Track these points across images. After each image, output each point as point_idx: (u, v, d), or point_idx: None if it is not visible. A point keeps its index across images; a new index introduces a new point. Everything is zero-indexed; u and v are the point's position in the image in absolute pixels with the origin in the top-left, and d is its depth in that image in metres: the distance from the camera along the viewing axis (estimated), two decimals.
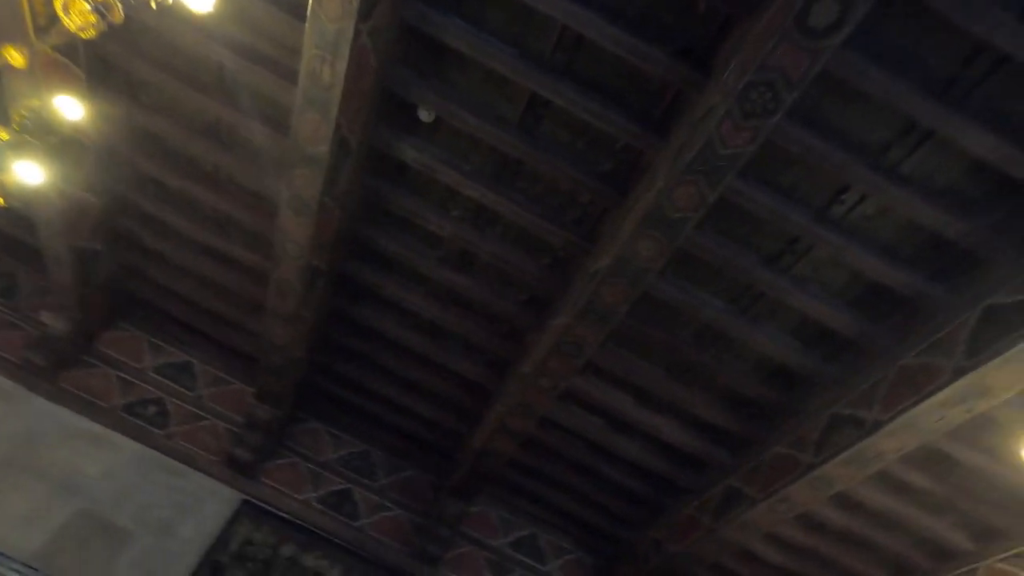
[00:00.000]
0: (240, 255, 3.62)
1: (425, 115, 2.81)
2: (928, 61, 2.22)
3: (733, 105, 2.03)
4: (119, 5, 1.72)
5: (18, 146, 2.26)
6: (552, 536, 4.71)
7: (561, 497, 4.47)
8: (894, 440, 2.85)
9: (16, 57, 1.97)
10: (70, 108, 2.37)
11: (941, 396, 2.62)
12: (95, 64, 2.98)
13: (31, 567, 3.49)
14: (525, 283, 3.30)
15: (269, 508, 4.01)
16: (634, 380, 3.51)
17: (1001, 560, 3.53)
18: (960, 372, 2.54)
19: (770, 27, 1.90)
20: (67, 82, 2.56)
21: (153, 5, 1.78)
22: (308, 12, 2.24)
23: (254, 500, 4.01)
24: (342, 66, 2.30)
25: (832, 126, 2.40)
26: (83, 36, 1.77)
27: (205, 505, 3.90)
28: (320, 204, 2.71)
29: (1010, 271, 2.48)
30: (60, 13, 1.69)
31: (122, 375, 4.23)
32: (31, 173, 2.36)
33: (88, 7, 1.66)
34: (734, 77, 2.03)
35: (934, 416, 2.71)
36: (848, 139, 2.43)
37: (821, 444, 3.11)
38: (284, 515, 4.02)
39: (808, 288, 2.88)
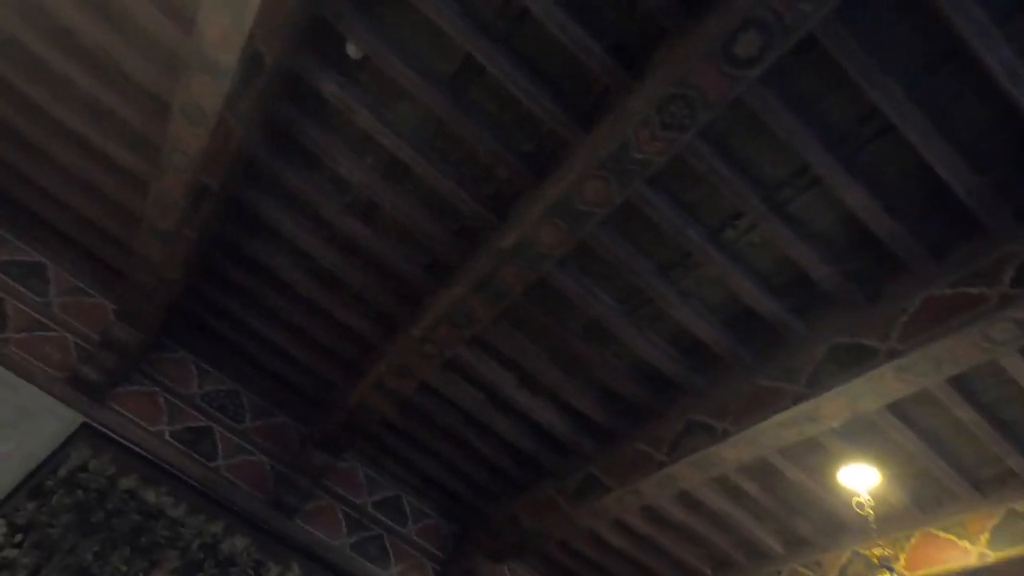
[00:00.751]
0: (118, 155, 3.23)
1: (353, 51, 2.65)
2: (830, 113, 2.41)
3: (652, 114, 2.09)
4: None
5: None
6: (416, 500, 4.76)
7: (430, 463, 4.52)
8: (736, 450, 3.15)
9: None
10: None
11: (780, 417, 2.92)
12: None
13: None
14: (429, 247, 3.25)
15: (113, 435, 3.71)
16: (519, 361, 3.58)
17: (803, 565, 4.03)
18: (799, 398, 2.84)
19: (698, 47, 1.97)
20: None
21: None
22: None
23: (96, 425, 3.68)
24: None
25: (738, 155, 2.55)
26: None
27: (37, 423, 3.53)
28: (220, 118, 2.48)
29: (856, 317, 2.78)
30: None
31: None
32: None
33: None
34: (658, 86, 2.09)
35: (772, 434, 3.02)
36: (750, 170, 2.60)
37: (675, 446, 3.37)
38: (130, 445, 3.73)
39: (690, 302, 3.08)
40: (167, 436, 3.94)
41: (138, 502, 3.61)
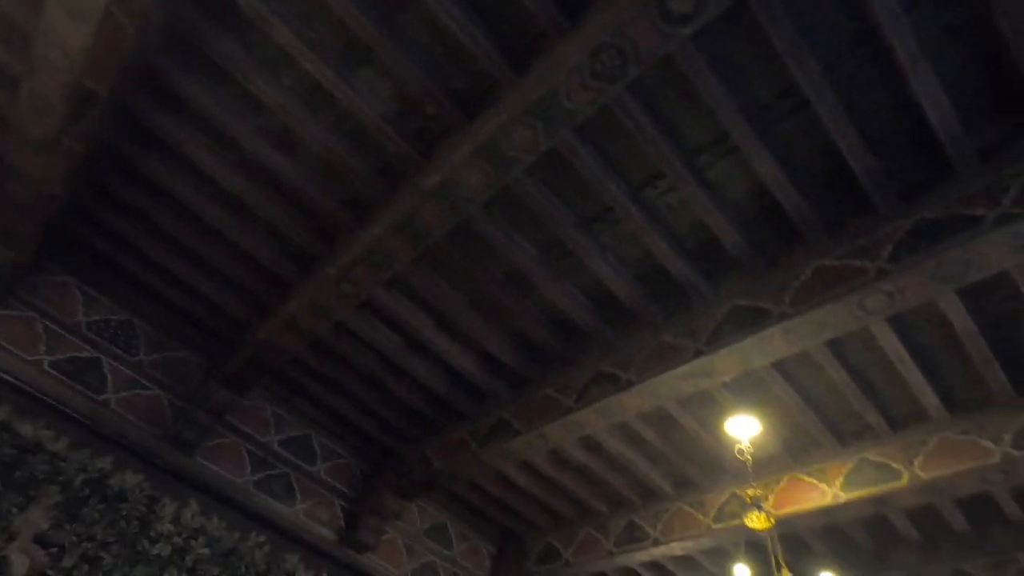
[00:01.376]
0: None
1: None
2: (753, 85, 2.48)
3: (584, 61, 2.07)
4: None
5: None
6: (326, 439, 4.72)
7: (343, 403, 4.48)
8: (638, 399, 3.35)
9: None
10: None
11: (680, 371, 3.12)
12: None
13: None
14: (349, 182, 3.09)
15: None
16: (438, 305, 3.57)
17: (688, 504, 4.43)
18: (698, 354, 3.04)
19: None
20: None
21: None
22: None
23: None
24: None
25: (665, 115, 2.59)
26: None
27: None
28: (107, 14, 2.17)
29: (756, 282, 2.98)
30: None
31: None
32: None
33: None
34: (593, 33, 2.05)
35: (671, 385, 3.22)
36: (674, 132, 2.65)
37: (582, 393, 3.53)
38: (1, 374, 3.40)
39: (608, 256, 3.16)
40: (46, 366, 3.62)
41: (12, 435, 3.32)
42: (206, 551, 3.86)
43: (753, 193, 2.80)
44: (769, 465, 3.97)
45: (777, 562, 3.00)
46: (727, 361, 2.99)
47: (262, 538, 4.18)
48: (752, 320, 2.90)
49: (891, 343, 3.08)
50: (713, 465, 4.22)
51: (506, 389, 4.03)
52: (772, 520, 3.13)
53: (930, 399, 3.35)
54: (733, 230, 2.86)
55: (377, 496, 4.60)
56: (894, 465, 3.51)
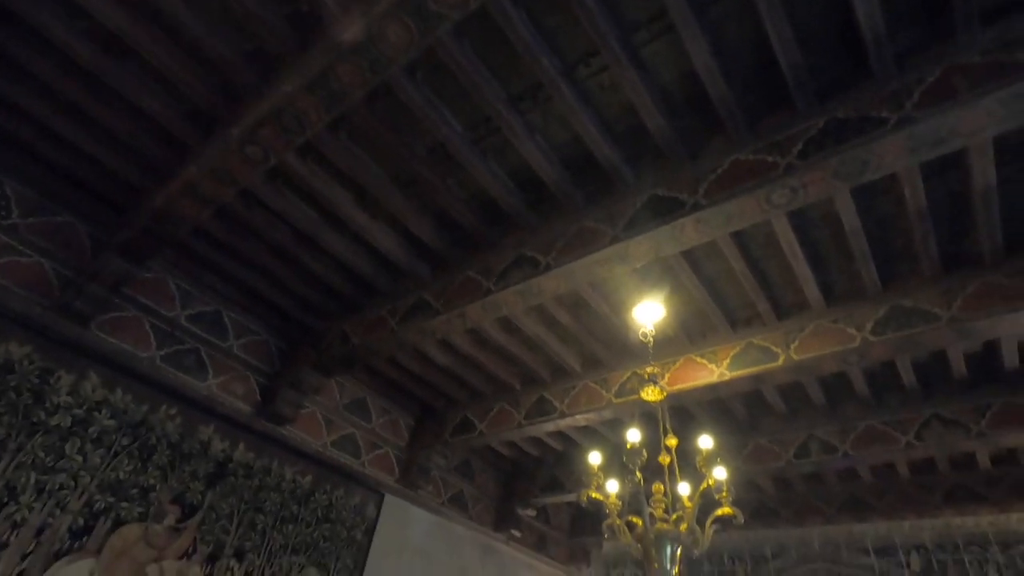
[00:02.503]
0: None
1: None
2: None
3: None
4: None
5: None
6: (239, 316, 4.59)
7: (255, 278, 4.31)
8: (555, 282, 3.45)
9: None
10: None
11: (597, 256, 3.22)
12: None
13: None
14: (255, 30, 2.72)
15: None
16: (357, 178, 3.39)
17: (594, 381, 4.80)
18: (615, 240, 3.13)
19: None
20: None
21: None
22: None
23: None
24: None
25: None
26: None
27: None
28: None
29: (676, 171, 3.05)
30: None
31: None
32: None
33: None
34: None
35: (588, 270, 3.34)
36: (613, 6, 2.52)
37: (503, 275, 3.60)
38: None
39: (535, 137, 3.09)
40: None
41: None
42: (112, 422, 3.79)
43: (683, 78, 2.77)
44: (668, 347, 4.34)
45: (665, 428, 3.38)
46: (641, 247, 3.12)
47: (173, 410, 4.14)
48: (668, 209, 3.00)
49: (788, 237, 3.33)
50: (619, 346, 4.56)
51: (427, 270, 4.03)
52: (665, 393, 3.49)
53: (812, 291, 3.72)
54: (660, 116, 2.86)
55: (295, 372, 4.62)
56: (774, 348, 3.95)
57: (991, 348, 4.05)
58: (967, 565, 5.27)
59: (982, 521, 5.33)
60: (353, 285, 4.31)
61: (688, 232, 2.99)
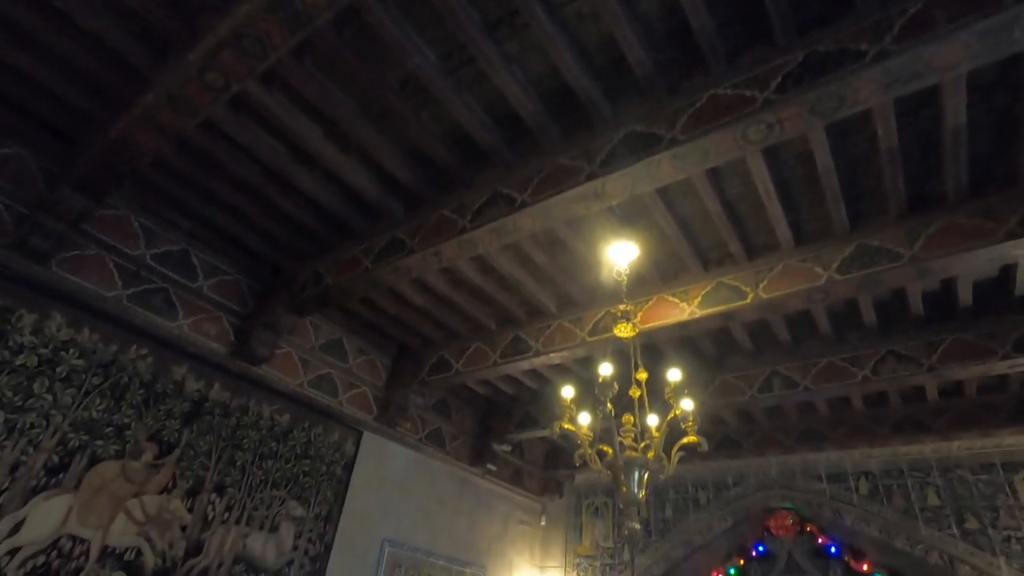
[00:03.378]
0: None
1: None
2: None
3: None
4: None
5: None
6: (207, 255, 4.48)
7: (223, 216, 4.19)
8: (531, 220, 3.44)
9: None
10: None
11: (573, 192, 3.20)
12: None
13: None
14: None
15: None
16: (326, 111, 3.26)
17: (568, 321, 4.88)
18: (591, 177, 3.11)
19: None
20: None
21: None
22: None
23: None
24: None
25: None
26: None
27: None
28: None
29: (654, 107, 3.00)
30: None
31: None
32: None
33: None
34: None
35: (563, 207, 3.32)
36: None
37: (478, 213, 3.56)
38: None
39: (512, 68, 2.99)
40: None
41: None
42: (80, 362, 3.73)
43: (664, 9, 2.68)
44: (641, 286, 4.41)
45: (636, 363, 3.48)
46: (617, 185, 3.10)
47: (144, 350, 4.09)
48: (644, 145, 2.97)
49: (762, 176, 3.35)
50: (593, 286, 4.62)
51: (400, 208, 3.96)
52: (637, 330, 3.57)
53: (783, 231, 3.78)
54: (641, 48, 2.78)
55: (269, 312, 4.57)
56: (743, 287, 4.05)
57: (948, 287, 4.23)
58: (909, 489, 5.69)
59: (925, 449, 5.73)
60: (325, 224, 4.22)
61: (664, 168, 2.98)
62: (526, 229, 3.52)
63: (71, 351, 3.70)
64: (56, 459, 3.52)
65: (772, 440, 6.34)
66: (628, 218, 3.80)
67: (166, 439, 4.08)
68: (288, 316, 4.57)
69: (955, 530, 5.33)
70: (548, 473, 7.69)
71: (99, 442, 3.73)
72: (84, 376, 3.74)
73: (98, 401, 3.77)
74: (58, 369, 3.61)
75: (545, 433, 6.41)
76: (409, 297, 4.85)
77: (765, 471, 6.50)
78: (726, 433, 6.60)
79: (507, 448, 6.72)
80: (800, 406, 6.07)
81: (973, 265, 3.39)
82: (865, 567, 5.55)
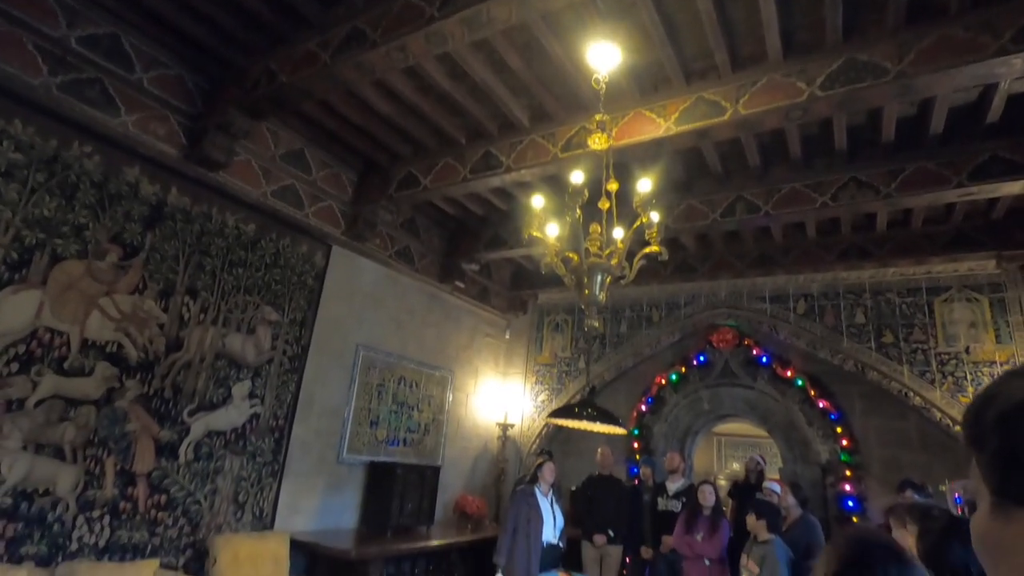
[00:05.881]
0: None
1: None
2: None
3: None
4: None
5: None
6: (142, 43, 3.98)
7: (160, 2, 3.66)
8: (506, 10, 3.12)
9: None
10: None
11: None
12: None
13: None
14: None
15: None
16: None
17: (541, 136, 4.72)
18: None
19: None
20: None
21: None
22: None
23: None
24: None
25: None
26: None
27: None
28: None
29: None
30: None
31: None
32: None
33: None
34: None
35: None
36: None
37: (446, 1, 3.19)
38: None
39: None
40: None
41: None
42: (19, 156, 3.49)
43: None
44: (619, 100, 4.22)
45: (608, 175, 3.46)
46: None
47: (88, 148, 3.83)
48: None
49: None
50: (569, 98, 4.39)
51: None
52: (611, 142, 3.49)
53: (773, 39, 3.56)
54: None
55: (221, 113, 4.24)
56: (723, 103, 3.91)
57: (923, 112, 4.19)
58: (841, 309, 6.26)
59: (864, 275, 6.19)
60: (276, 10, 3.75)
61: None
62: (500, 21, 3.21)
63: (5, 143, 3.43)
64: (15, 255, 3.46)
65: (726, 265, 6.71)
66: (613, 15, 3.48)
67: (129, 242, 4.01)
68: (242, 118, 4.26)
69: (872, 343, 6.01)
70: (513, 293, 8.09)
71: (58, 240, 3.64)
72: (26, 172, 3.52)
73: (48, 199, 3.60)
74: None
75: (513, 253, 6.60)
76: (374, 104, 4.54)
77: (716, 293, 6.98)
78: (684, 258, 6.93)
79: (475, 267, 6.93)
80: (757, 233, 6.32)
81: (957, 83, 3.33)
82: (789, 373, 6.31)
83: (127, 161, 4.02)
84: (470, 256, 6.73)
